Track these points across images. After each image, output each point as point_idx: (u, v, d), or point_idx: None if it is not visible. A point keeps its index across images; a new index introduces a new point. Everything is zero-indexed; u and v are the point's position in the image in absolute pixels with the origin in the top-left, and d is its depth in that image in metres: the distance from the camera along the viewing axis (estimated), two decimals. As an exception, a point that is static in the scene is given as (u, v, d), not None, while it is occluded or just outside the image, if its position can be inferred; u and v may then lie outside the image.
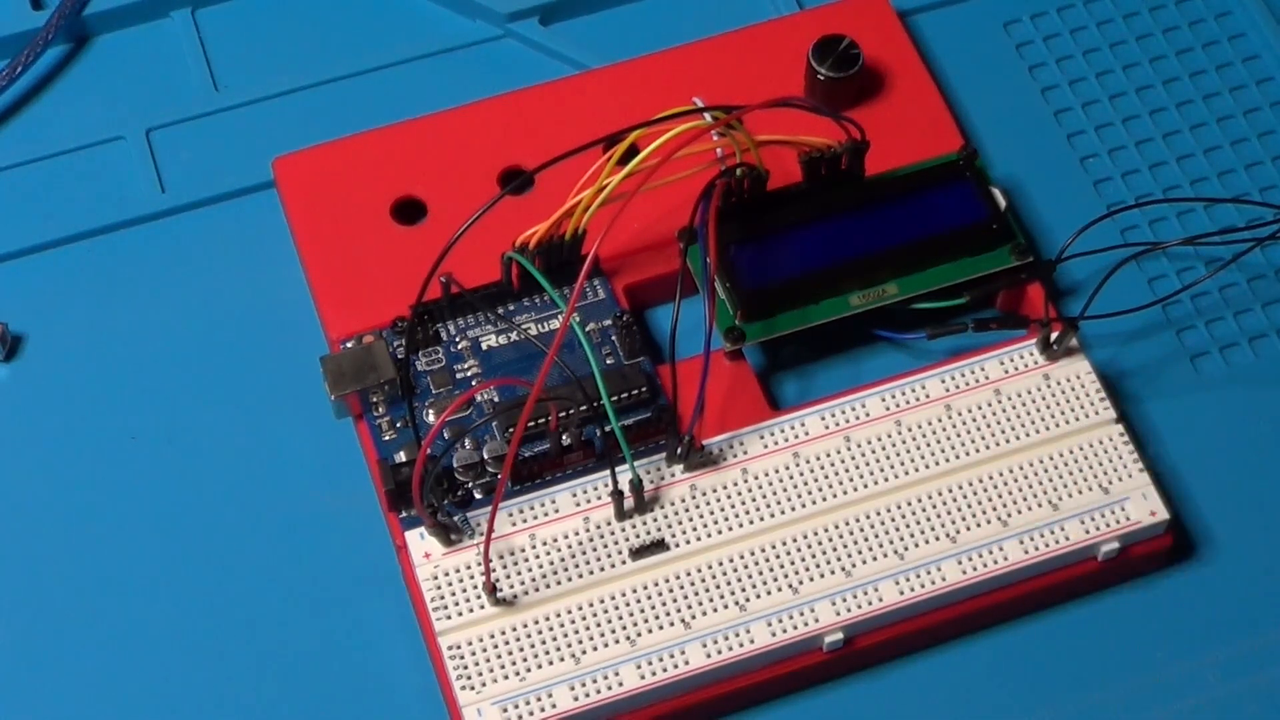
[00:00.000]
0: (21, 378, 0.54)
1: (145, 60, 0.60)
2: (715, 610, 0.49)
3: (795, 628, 0.49)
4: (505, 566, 0.49)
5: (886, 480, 0.51)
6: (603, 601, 0.49)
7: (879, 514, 0.50)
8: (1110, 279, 0.53)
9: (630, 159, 0.50)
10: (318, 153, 0.56)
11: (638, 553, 0.49)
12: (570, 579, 0.49)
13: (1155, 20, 0.61)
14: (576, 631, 0.48)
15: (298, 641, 0.50)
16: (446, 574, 0.49)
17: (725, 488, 0.50)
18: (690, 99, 0.53)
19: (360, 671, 0.50)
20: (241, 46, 0.60)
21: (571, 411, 0.50)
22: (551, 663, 0.48)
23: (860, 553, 0.49)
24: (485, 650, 0.48)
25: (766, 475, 0.50)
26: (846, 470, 0.51)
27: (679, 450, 0.50)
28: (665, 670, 0.48)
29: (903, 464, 0.51)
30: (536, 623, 0.48)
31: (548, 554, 0.49)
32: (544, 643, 0.48)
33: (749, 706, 0.50)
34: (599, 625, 0.48)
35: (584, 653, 0.48)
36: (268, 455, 0.53)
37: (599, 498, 0.50)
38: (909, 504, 0.50)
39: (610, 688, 0.48)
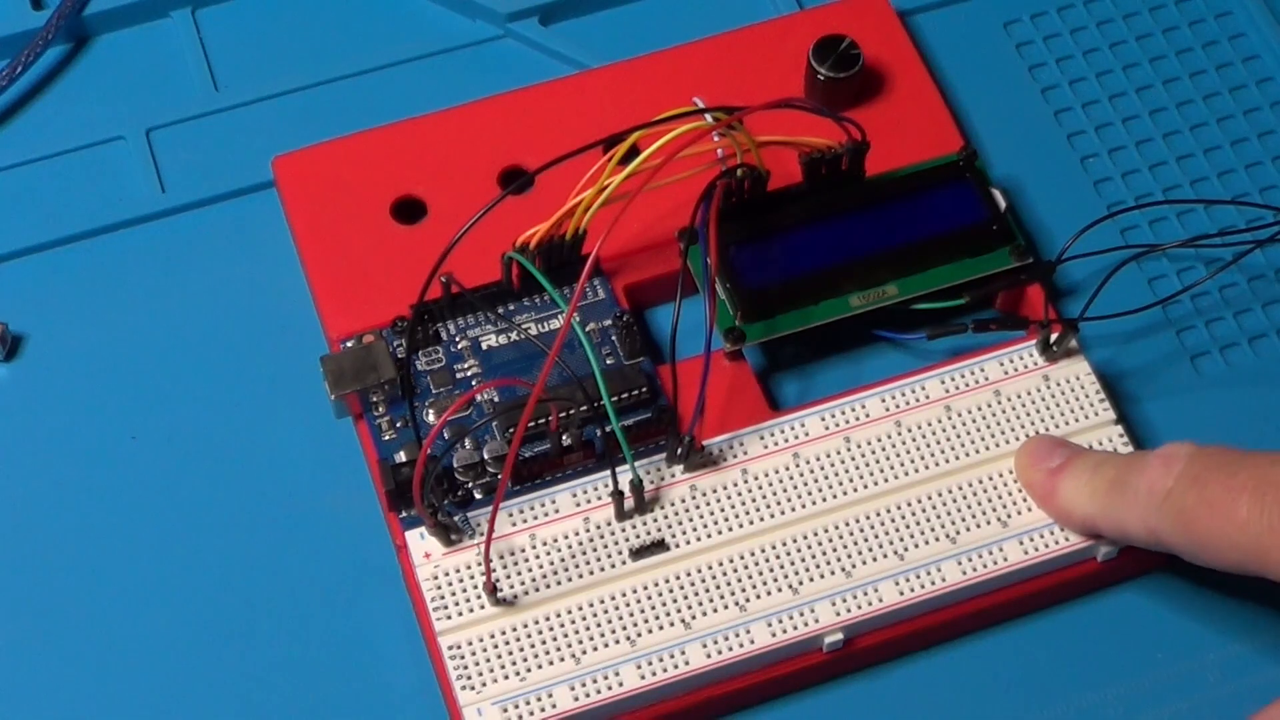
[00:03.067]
0: (21, 378, 0.54)
1: (145, 60, 0.60)
2: (715, 610, 0.49)
3: (795, 628, 0.49)
4: (505, 566, 0.49)
5: (886, 481, 0.50)
6: (603, 601, 0.49)
7: (879, 514, 0.50)
8: (1110, 280, 0.53)
9: (631, 159, 0.50)
10: (318, 152, 0.56)
11: (638, 553, 0.49)
12: (570, 579, 0.49)
13: (1155, 20, 0.61)
14: (577, 631, 0.48)
15: (298, 641, 0.50)
16: (446, 574, 0.49)
17: (725, 488, 0.50)
18: (690, 99, 0.53)
19: (360, 671, 0.50)
20: (241, 46, 0.60)
21: (572, 412, 0.50)
22: (552, 663, 0.48)
23: (860, 553, 0.49)
24: (485, 650, 0.48)
25: (766, 476, 0.50)
26: (846, 471, 0.51)
27: (679, 450, 0.50)
28: (665, 670, 0.48)
29: (903, 464, 0.51)
30: (536, 623, 0.48)
31: (548, 554, 0.49)
32: (544, 643, 0.48)
33: (749, 706, 0.50)
34: (599, 625, 0.48)
35: (584, 653, 0.48)
36: (268, 455, 0.53)
37: (599, 498, 0.50)
38: (909, 504, 0.50)
39: (610, 688, 0.48)
